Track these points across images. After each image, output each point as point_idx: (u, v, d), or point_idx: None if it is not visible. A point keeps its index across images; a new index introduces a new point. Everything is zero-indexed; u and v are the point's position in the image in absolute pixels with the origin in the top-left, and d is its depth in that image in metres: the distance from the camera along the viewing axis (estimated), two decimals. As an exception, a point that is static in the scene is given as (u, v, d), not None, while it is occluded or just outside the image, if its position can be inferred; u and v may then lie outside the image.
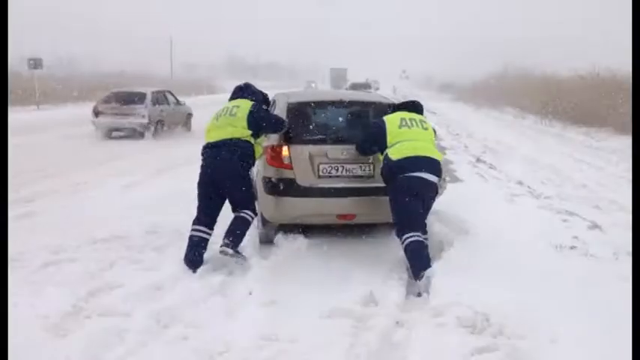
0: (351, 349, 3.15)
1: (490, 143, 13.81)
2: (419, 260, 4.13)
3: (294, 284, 4.05)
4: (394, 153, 4.33)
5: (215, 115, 4.75)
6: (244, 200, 4.61)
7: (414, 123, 4.53)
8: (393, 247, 4.96)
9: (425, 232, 4.40)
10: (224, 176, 4.50)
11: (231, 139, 4.52)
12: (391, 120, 4.55)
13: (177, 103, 16.13)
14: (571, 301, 3.61)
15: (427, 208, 4.49)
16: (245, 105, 4.66)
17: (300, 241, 5.06)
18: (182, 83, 47.18)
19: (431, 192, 4.40)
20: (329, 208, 4.83)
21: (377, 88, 34.64)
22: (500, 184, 8.11)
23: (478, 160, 10.70)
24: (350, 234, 5.37)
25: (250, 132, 4.58)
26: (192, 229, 4.49)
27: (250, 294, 3.91)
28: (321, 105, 5.51)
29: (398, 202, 4.30)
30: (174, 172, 8.93)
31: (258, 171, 5.12)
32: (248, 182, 4.71)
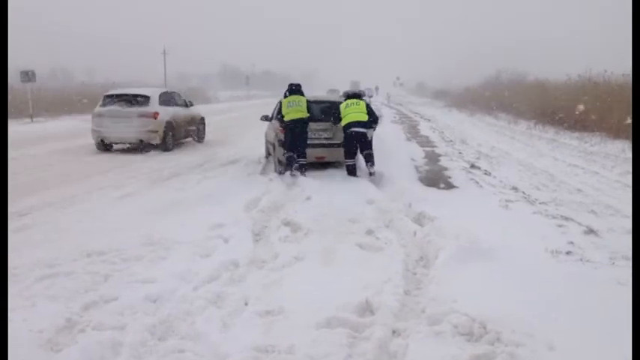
0: (349, 359, 3.13)
1: (484, 149, 13.83)
2: (350, 174, 9.29)
3: (289, 294, 4.03)
4: (343, 122, 9.18)
5: (287, 105, 9.17)
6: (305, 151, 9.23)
7: (352, 104, 9.23)
8: (390, 255, 4.97)
9: (368, 161, 9.18)
10: (299, 136, 9.12)
11: (301, 118, 9.11)
12: (342, 105, 9.35)
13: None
14: (568, 306, 3.61)
15: (363, 143, 9.15)
16: (304, 98, 9.32)
17: (294, 249, 5.06)
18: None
19: (361, 135, 9.09)
20: (311, 154, 9.47)
21: (370, 96, 35.32)
22: (494, 190, 8.11)
23: (472, 166, 10.71)
24: (346, 240, 5.37)
25: (308, 113, 9.23)
26: (287, 154, 9.11)
27: (246, 305, 3.89)
28: (312, 103, 9.94)
29: (344, 143, 9.25)
30: (168, 181, 8.93)
31: (276, 134, 9.60)
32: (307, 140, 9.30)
